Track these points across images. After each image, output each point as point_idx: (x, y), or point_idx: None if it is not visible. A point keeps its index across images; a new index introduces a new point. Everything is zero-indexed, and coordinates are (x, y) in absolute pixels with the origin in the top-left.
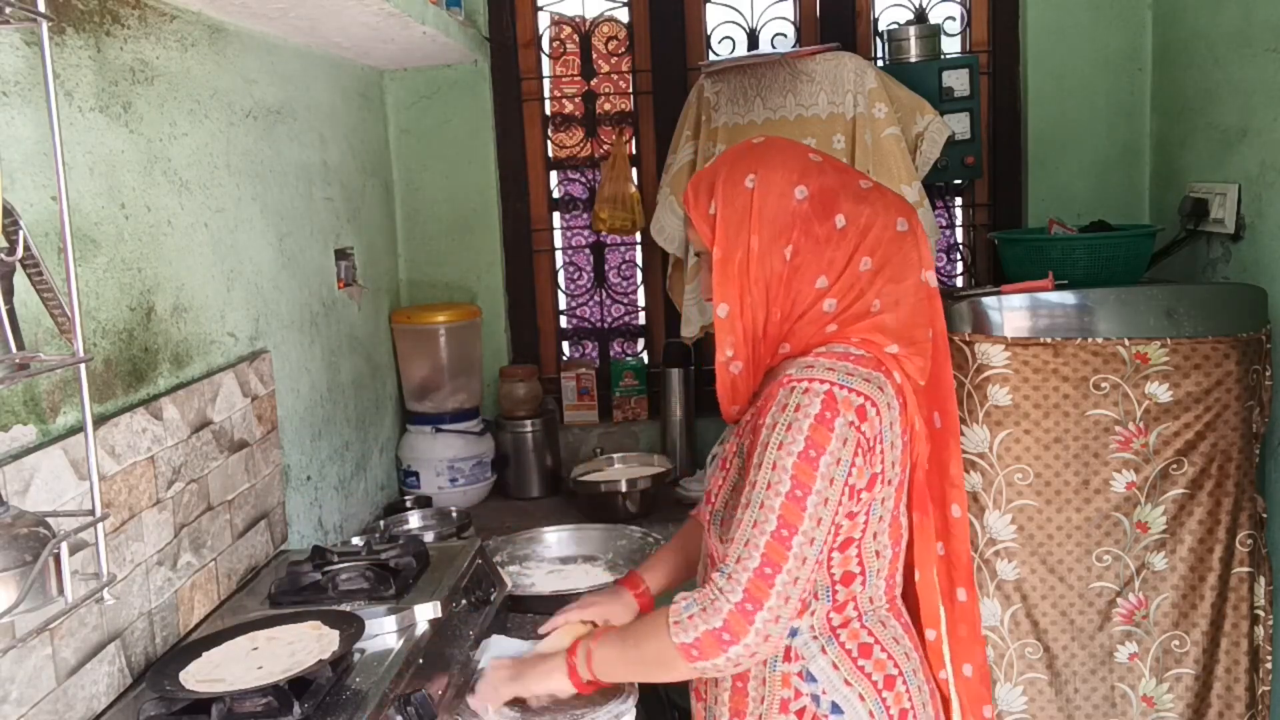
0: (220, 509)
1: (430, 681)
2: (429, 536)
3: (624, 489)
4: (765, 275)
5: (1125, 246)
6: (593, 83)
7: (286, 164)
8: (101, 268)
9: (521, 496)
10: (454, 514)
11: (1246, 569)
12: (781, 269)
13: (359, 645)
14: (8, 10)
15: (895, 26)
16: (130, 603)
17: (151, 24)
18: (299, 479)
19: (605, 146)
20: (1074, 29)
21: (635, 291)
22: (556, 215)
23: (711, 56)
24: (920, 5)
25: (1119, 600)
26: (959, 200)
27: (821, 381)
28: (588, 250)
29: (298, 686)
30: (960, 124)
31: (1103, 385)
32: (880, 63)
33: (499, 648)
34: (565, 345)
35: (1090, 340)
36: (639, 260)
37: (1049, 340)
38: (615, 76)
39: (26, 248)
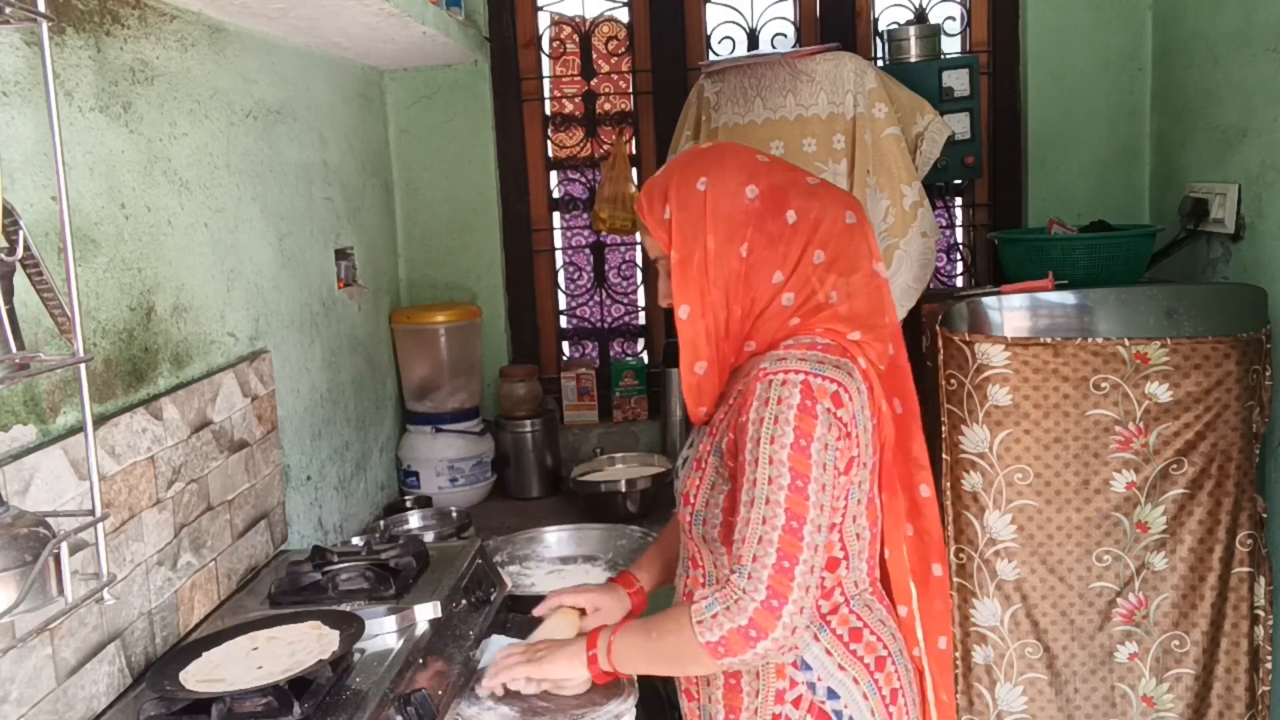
0: (220, 509)
1: (430, 681)
2: (429, 536)
3: (624, 489)
4: (723, 274)
5: (1125, 246)
6: (593, 83)
7: (286, 164)
8: (101, 268)
9: (521, 496)
10: (454, 514)
11: (1246, 569)
12: (739, 266)
13: (359, 645)
14: (8, 10)
15: (895, 26)
16: (130, 603)
17: (151, 24)
18: (299, 479)
19: (605, 146)
20: (1074, 29)
21: (635, 291)
22: (556, 215)
23: (711, 56)
24: (920, 5)
25: (1119, 600)
26: (959, 200)
27: (796, 372)
28: (588, 250)
29: (298, 686)
30: (960, 124)
31: (1103, 385)
32: (880, 63)
33: (499, 648)
34: (565, 345)
35: (1090, 340)
36: (639, 260)
37: (1049, 340)
38: (615, 76)
39: (26, 248)
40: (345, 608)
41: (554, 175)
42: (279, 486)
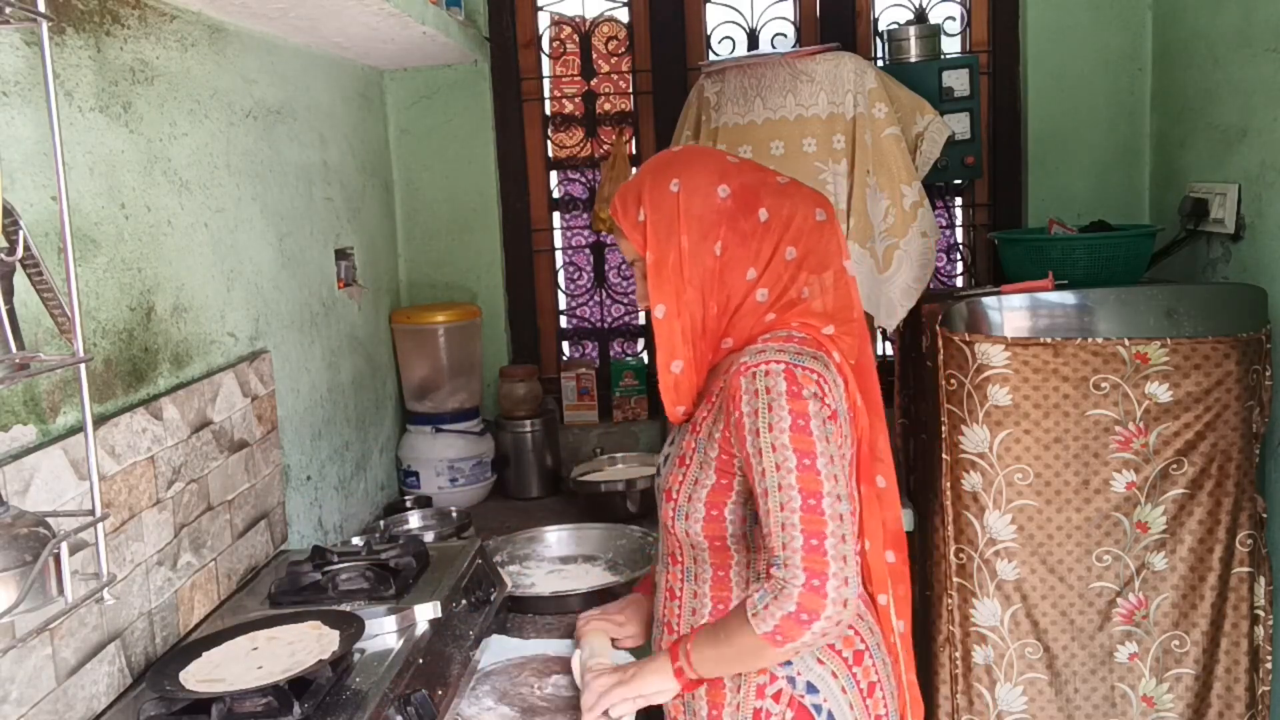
0: (220, 509)
1: (430, 681)
2: (429, 536)
3: (624, 489)
4: (698, 273)
5: (1125, 246)
6: (593, 83)
7: (286, 164)
8: (101, 268)
9: (521, 496)
10: (454, 514)
11: (1246, 569)
12: (713, 265)
13: (359, 645)
14: (8, 10)
15: (895, 26)
16: (130, 603)
17: (151, 24)
18: (299, 479)
19: (605, 146)
20: (1074, 29)
21: (635, 292)
22: (556, 215)
23: (711, 56)
24: (920, 5)
25: (1119, 600)
26: (959, 200)
27: (777, 362)
28: (588, 250)
29: (298, 686)
30: (960, 124)
31: (1103, 385)
32: (880, 63)
33: (499, 648)
34: (565, 345)
35: (1090, 340)
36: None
37: (1049, 340)
38: (615, 76)
39: (26, 248)
40: (345, 608)
41: (554, 175)
42: (279, 486)
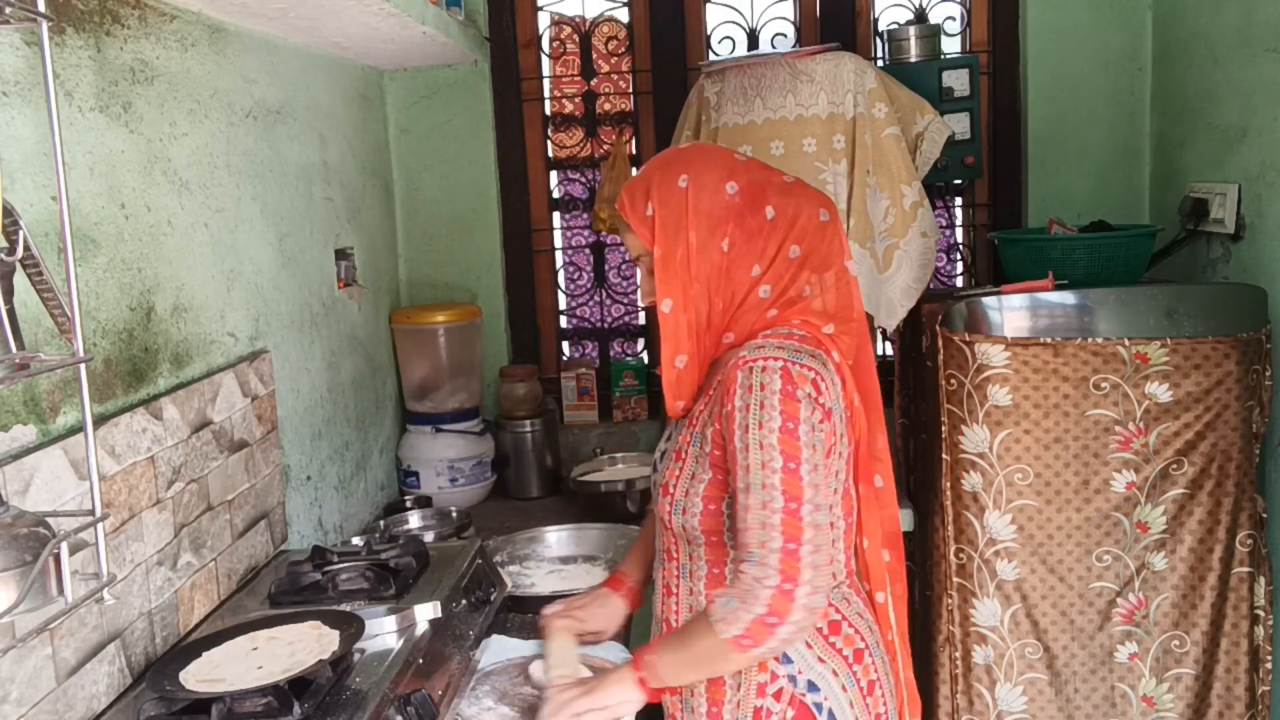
0: (220, 509)
1: (430, 681)
2: (429, 536)
3: (624, 489)
4: (705, 268)
5: (1125, 246)
6: (593, 83)
7: (286, 164)
8: (101, 268)
9: (521, 496)
10: (454, 514)
11: (1246, 569)
12: (720, 260)
13: (359, 645)
14: (8, 10)
15: (895, 26)
16: (130, 603)
17: (151, 24)
18: (299, 479)
19: (605, 146)
20: (1074, 29)
21: (635, 291)
22: (556, 215)
23: (711, 56)
24: (920, 5)
25: (1119, 600)
26: (959, 200)
27: (775, 359)
28: (588, 250)
29: (298, 686)
30: (960, 124)
31: (1103, 385)
32: (880, 63)
33: (499, 648)
34: (565, 345)
35: (1090, 340)
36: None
37: (1049, 340)
38: (615, 76)
39: (26, 248)
40: (345, 608)
41: (554, 175)
42: (279, 486)
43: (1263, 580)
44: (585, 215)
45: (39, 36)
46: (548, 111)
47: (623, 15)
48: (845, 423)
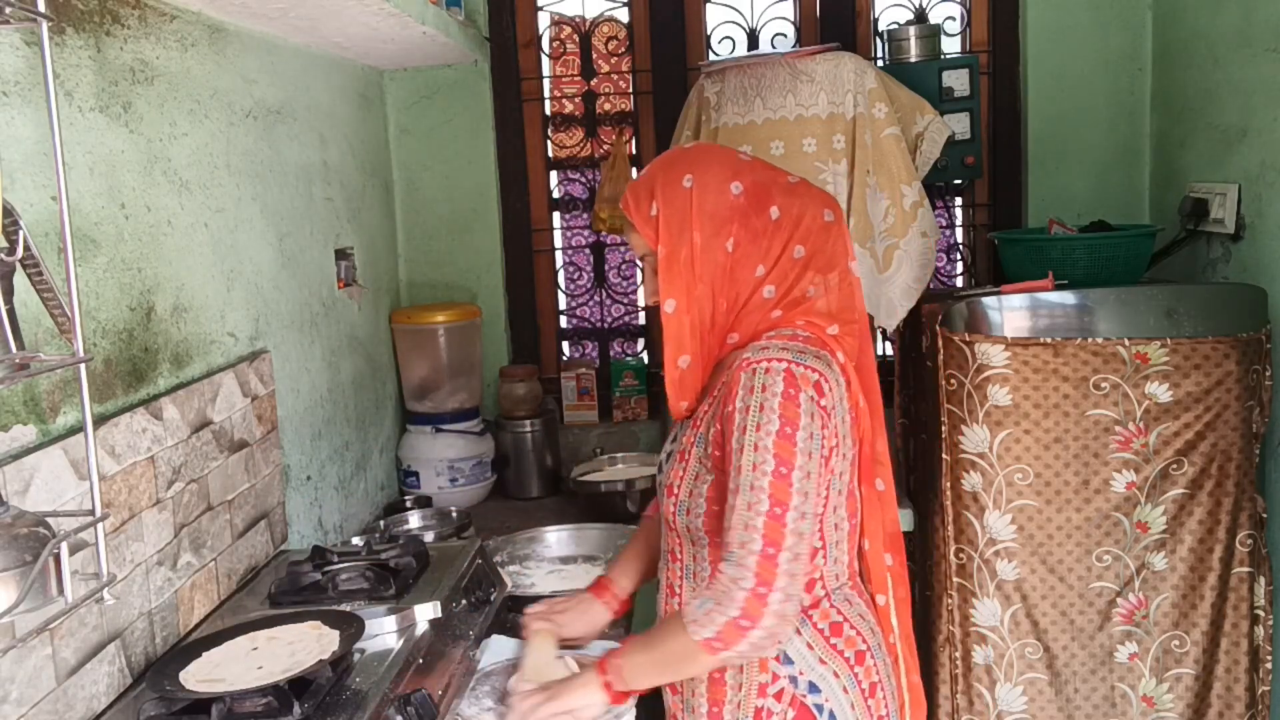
0: (220, 509)
1: (430, 681)
2: (429, 536)
3: (624, 489)
4: (709, 268)
5: (1125, 246)
6: (593, 83)
7: (286, 164)
8: (101, 268)
9: (521, 496)
10: (454, 514)
11: (1246, 569)
12: (725, 260)
13: (359, 645)
14: (8, 10)
15: (895, 26)
16: (130, 603)
17: (151, 24)
18: (299, 479)
19: (605, 146)
20: (1074, 29)
21: (635, 291)
22: (556, 215)
23: (711, 56)
24: (920, 5)
25: (1119, 600)
26: (959, 200)
27: (779, 360)
28: (588, 250)
29: (298, 686)
30: (960, 124)
31: (1103, 385)
32: (880, 63)
33: (499, 648)
34: (565, 345)
35: (1090, 340)
36: (639, 260)
37: (1049, 340)
38: (615, 76)
39: (26, 248)
40: (345, 608)
41: (554, 175)
42: (279, 486)
43: (1263, 580)
44: (585, 215)
45: (39, 36)
46: (548, 111)
47: (623, 15)
48: (850, 424)
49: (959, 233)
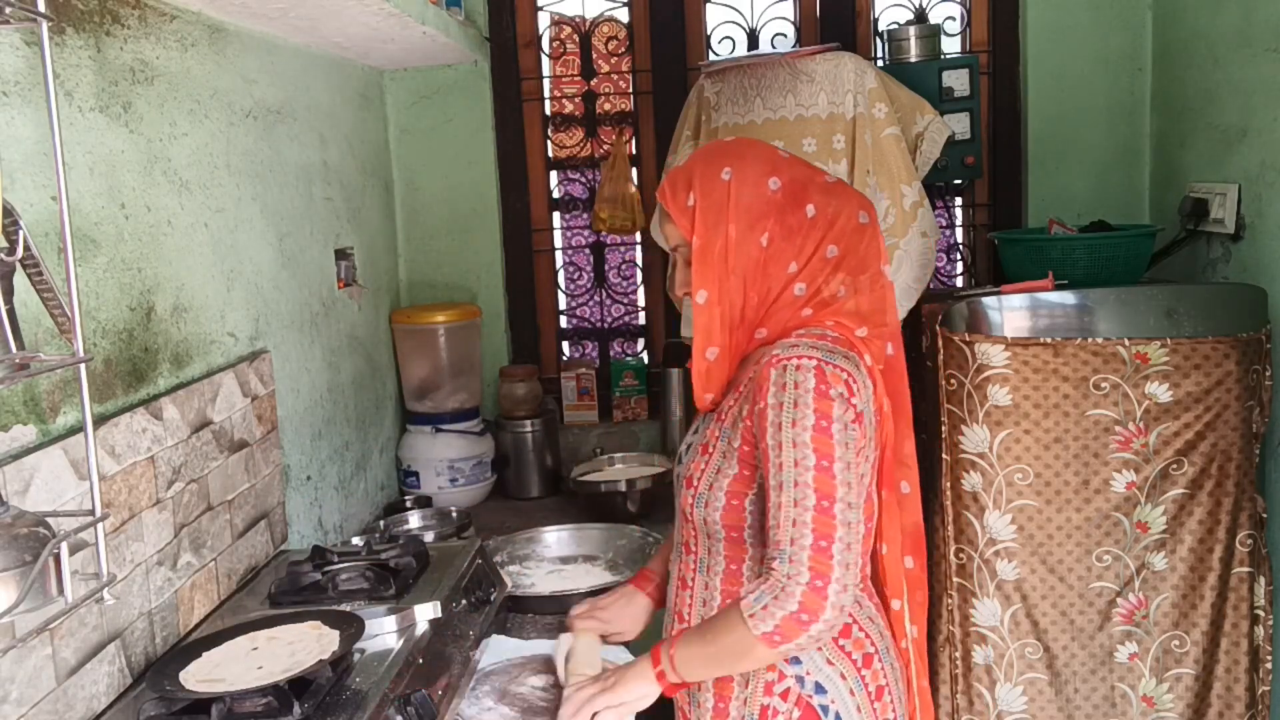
0: (220, 509)
1: (430, 681)
2: (429, 536)
3: (624, 489)
4: (743, 262)
5: (1125, 246)
6: (593, 83)
7: (286, 164)
8: (101, 268)
9: (521, 496)
10: (454, 514)
11: (1246, 569)
12: (758, 255)
13: (359, 645)
14: (8, 10)
15: (895, 26)
16: (130, 603)
17: (151, 24)
18: (299, 479)
19: (605, 146)
20: (1074, 29)
21: (635, 291)
22: (556, 215)
23: (711, 56)
24: (920, 5)
25: (1119, 600)
26: (959, 200)
27: (809, 358)
28: (588, 250)
29: (298, 686)
30: (960, 124)
31: (1103, 385)
32: (880, 63)
33: (499, 648)
34: (565, 345)
35: (1090, 340)
36: (639, 260)
37: (1049, 340)
38: (615, 76)
39: (26, 248)
40: (345, 608)
41: (554, 175)
42: (279, 486)
43: (1263, 580)
44: (585, 215)
45: (39, 36)
46: (548, 111)
47: (623, 15)
48: (875, 427)
49: (959, 233)
